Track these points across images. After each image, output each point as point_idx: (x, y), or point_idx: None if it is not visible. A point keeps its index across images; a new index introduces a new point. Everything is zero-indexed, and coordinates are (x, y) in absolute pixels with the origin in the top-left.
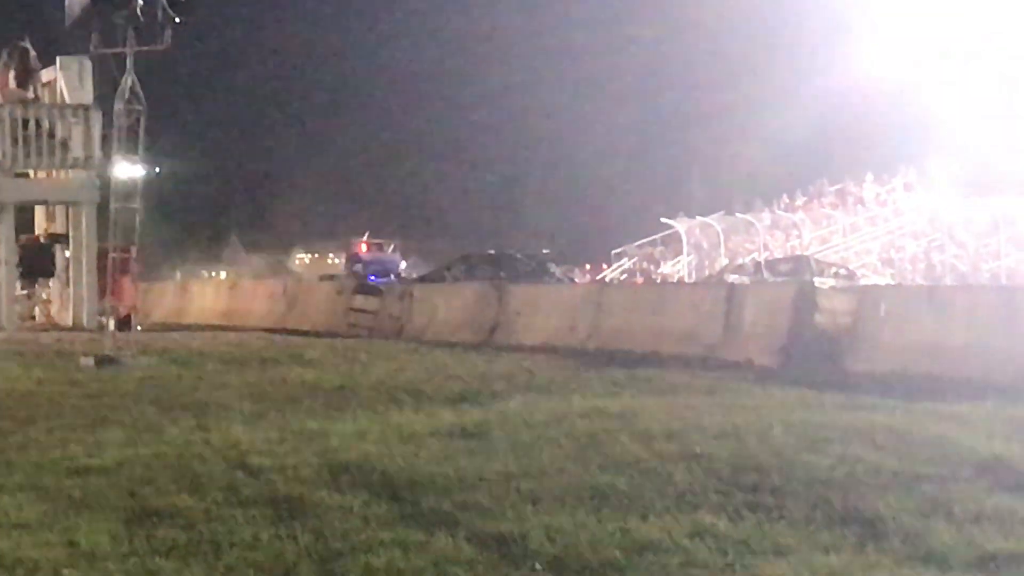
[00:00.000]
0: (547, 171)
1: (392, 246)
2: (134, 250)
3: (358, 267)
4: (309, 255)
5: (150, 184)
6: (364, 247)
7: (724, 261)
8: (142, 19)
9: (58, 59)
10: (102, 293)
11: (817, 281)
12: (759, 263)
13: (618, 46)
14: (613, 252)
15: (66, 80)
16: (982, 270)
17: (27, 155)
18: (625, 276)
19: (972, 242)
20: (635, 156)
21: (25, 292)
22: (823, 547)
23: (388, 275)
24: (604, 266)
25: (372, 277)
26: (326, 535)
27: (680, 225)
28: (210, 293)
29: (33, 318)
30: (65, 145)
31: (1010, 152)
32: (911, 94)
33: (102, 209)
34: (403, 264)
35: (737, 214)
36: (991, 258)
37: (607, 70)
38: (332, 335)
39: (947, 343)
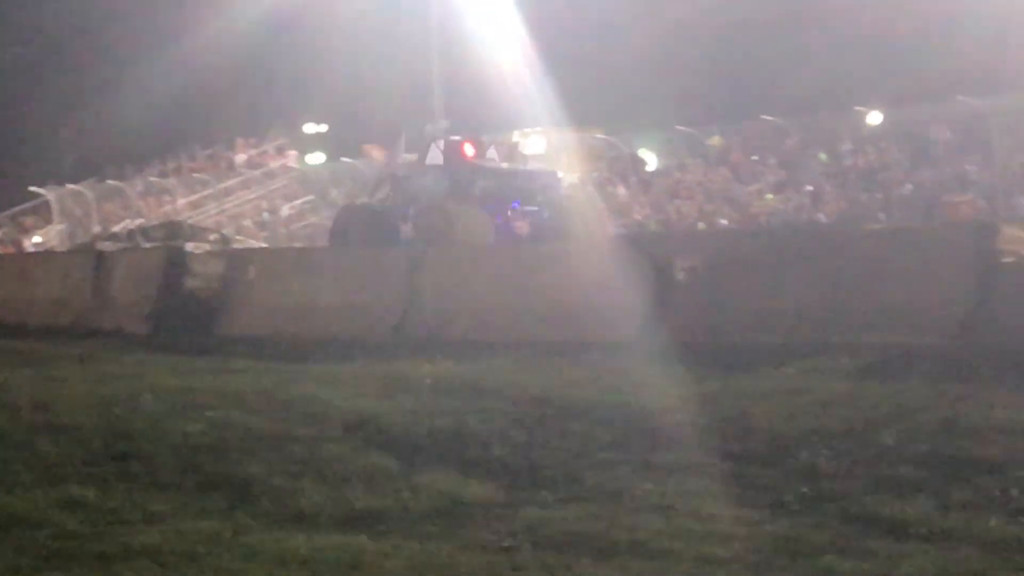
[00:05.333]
0: None
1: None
2: None
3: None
4: None
5: None
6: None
7: (98, 229)
8: None
9: None
10: None
11: (190, 246)
12: (132, 230)
13: None
14: None
15: None
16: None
17: None
18: None
19: (343, 202)
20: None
21: None
22: (194, 512)
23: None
24: None
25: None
26: None
27: (50, 193)
28: None
29: None
30: None
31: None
32: (270, 57)
33: None
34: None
35: (109, 180)
36: None
37: None
38: None
39: (317, 304)
